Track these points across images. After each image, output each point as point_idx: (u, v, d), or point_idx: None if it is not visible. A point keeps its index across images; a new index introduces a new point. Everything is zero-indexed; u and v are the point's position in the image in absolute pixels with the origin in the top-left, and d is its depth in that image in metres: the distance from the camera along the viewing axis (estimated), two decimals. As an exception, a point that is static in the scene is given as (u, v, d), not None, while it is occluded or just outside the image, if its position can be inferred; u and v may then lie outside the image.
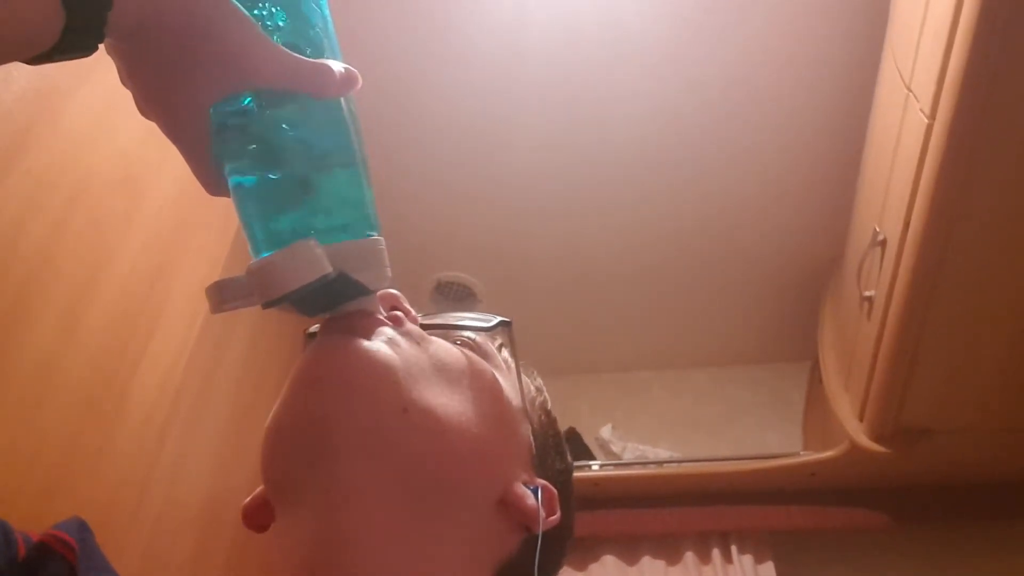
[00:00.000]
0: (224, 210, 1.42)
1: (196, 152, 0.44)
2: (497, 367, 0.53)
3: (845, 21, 1.76)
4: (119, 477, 1.10)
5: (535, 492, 0.48)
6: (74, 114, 1.06)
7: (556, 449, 0.55)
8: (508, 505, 0.47)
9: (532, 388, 0.57)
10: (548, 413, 0.57)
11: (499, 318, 0.53)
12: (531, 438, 0.53)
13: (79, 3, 0.36)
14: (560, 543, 0.53)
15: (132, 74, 0.42)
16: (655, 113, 1.96)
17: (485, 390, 0.49)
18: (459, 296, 2.46)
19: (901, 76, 1.37)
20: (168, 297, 1.24)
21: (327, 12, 0.47)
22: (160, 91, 0.42)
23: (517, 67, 1.88)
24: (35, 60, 0.37)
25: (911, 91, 1.32)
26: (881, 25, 1.54)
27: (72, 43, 0.37)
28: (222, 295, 0.45)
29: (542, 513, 0.47)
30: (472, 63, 1.88)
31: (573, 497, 0.56)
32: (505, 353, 0.55)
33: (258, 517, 0.48)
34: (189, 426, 1.29)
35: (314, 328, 0.50)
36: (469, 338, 0.53)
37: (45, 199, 1.00)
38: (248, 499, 0.49)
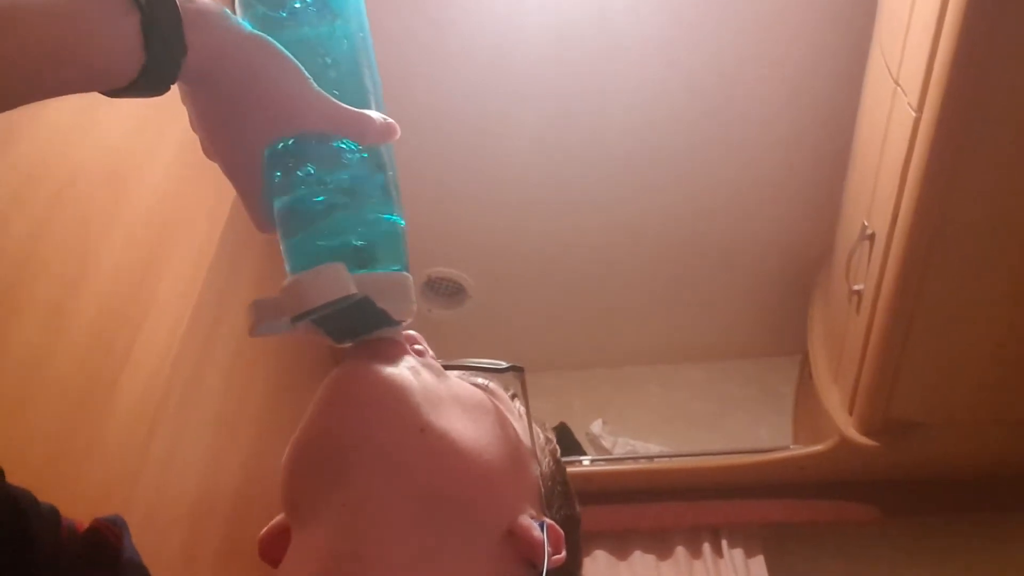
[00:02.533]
0: (212, 206, 1.41)
1: (250, 191, 0.49)
2: (509, 411, 0.55)
3: (833, 15, 1.76)
4: (107, 475, 1.10)
5: (541, 527, 0.49)
6: (59, 108, 1.05)
7: (564, 496, 0.57)
8: (515, 535, 0.48)
9: (542, 437, 0.58)
10: (558, 461, 0.58)
11: (510, 364, 0.56)
12: (540, 480, 0.54)
13: (159, 48, 0.40)
14: None
15: (199, 118, 0.47)
16: (645, 109, 1.96)
17: (498, 424, 0.51)
18: (449, 292, 2.45)
19: (889, 69, 1.37)
20: (156, 293, 1.24)
21: (377, 76, 0.53)
22: (221, 134, 0.47)
23: (509, 63, 1.88)
24: (112, 93, 0.42)
25: (899, 84, 1.32)
26: (869, 18, 1.55)
27: (147, 83, 0.41)
28: (258, 314, 0.47)
29: (548, 548, 0.48)
30: (464, 58, 1.88)
31: (581, 549, 0.57)
32: (517, 402, 0.58)
33: (274, 549, 0.49)
34: (178, 423, 1.28)
35: None
36: (482, 384, 0.56)
37: (29, 195, 0.99)
38: (264, 530, 0.50)
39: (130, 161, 1.19)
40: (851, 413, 1.71)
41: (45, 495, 1.00)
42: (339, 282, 0.45)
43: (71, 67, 0.38)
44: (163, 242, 1.27)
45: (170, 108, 1.27)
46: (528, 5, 1.78)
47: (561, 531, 0.52)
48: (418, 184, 2.14)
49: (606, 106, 1.96)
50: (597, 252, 2.32)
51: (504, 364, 0.56)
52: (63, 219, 1.04)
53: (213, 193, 1.39)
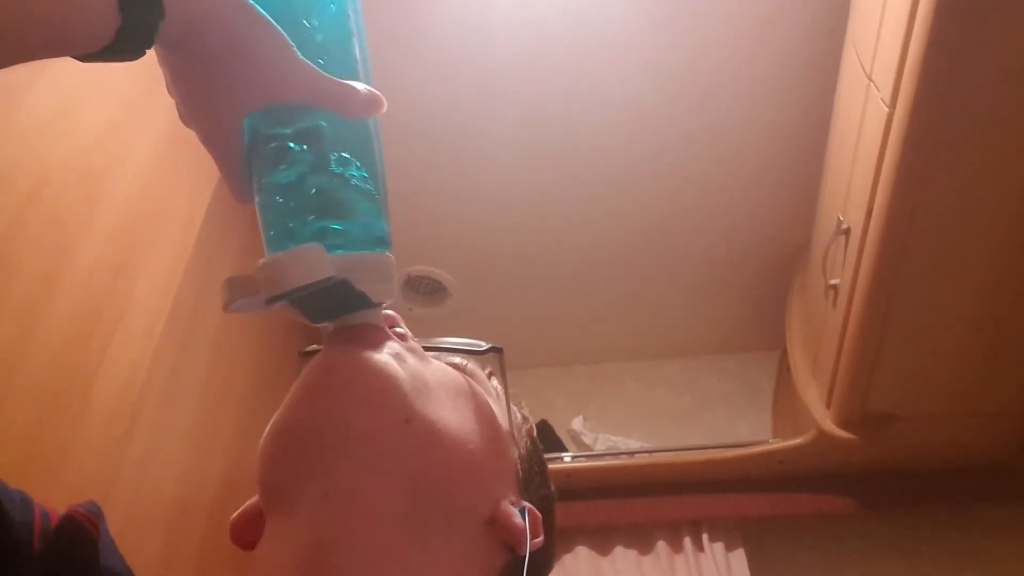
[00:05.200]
0: (189, 205, 1.40)
1: (228, 161, 0.47)
2: (487, 392, 0.54)
3: (808, 13, 1.77)
4: (83, 478, 1.08)
5: (522, 512, 0.49)
6: (31, 108, 1.04)
7: (541, 476, 0.57)
8: (496, 523, 0.48)
9: (519, 416, 0.58)
10: (534, 441, 0.58)
11: (490, 344, 0.55)
12: (518, 462, 0.54)
13: (134, 10, 0.39)
14: (542, 570, 0.54)
15: (176, 83, 0.46)
16: (623, 106, 1.96)
17: (479, 410, 0.51)
18: (430, 290, 2.45)
19: (862, 66, 1.39)
20: (132, 294, 1.23)
21: (366, 45, 0.51)
22: (199, 101, 0.46)
23: (486, 60, 1.88)
24: (86, 58, 0.40)
25: (872, 81, 1.34)
26: (843, 16, 1.56)
27: (123, 46, 0.40)
28: (231, 292, 0.46)
29: (528, 533, 0.48)
30: (442, 57, 1.87)
31: (556, 526, 0.57)
32: (494, 381, 0.57)
33: (248, 532, 0.47)
34: (157, 422, 1.27)
35: (311, 348, 0.51)
36: (460, 363, 0.55)
37: (3, 195, 0.98)
38: (237, 512, 0.49)
39: (105, 160, 1.18)
40: (829, 407, 1.73)
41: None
42: (317, 264, 0.43)
43: (42, 30, 0.36)
44: (139, 242, 1.26)
45: (145, 107, 1.26)
46: (505, 3, 1.78)
47: (540, 514, 0.52)
48: (398, 182, 2.13)
49: (584, 104, 1.97)
50: (577, 249, 2.32)
51: (484, 345, 0.55)
52: (38, 219, 1.03)
53: (190, 192, 1.38)
